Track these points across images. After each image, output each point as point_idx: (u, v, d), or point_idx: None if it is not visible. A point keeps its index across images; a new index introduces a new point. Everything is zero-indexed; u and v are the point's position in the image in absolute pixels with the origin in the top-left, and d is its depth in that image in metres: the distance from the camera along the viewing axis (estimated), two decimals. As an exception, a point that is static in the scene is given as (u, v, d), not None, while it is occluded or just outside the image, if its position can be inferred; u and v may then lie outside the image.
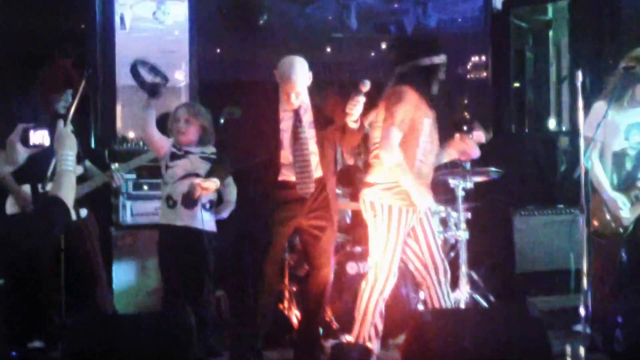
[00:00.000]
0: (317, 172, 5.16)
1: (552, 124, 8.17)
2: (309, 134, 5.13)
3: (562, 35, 8.27)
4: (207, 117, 5.58)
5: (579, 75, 4.92)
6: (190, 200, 5.31)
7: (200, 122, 5.52)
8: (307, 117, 5.15)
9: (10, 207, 5.47)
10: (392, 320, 5.73)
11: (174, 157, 5.43)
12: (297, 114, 5.11)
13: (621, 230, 5.48)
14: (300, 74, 5.04)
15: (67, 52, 5.77)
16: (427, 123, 5.15)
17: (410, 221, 5.17)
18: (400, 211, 5.11)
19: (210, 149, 5.52)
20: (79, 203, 5.54)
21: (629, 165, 5.53)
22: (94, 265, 5.63)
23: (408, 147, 5.08)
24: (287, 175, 5.13)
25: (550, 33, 8.39)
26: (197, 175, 5.36)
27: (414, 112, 5.08)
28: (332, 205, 5.25)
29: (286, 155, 5.11)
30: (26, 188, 5.40)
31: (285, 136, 5.10)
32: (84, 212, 5.63)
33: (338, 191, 6.42)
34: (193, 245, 5.39)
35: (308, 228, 5.23)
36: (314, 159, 5.14)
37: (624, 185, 5.51)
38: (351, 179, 6.54)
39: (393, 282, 5.22)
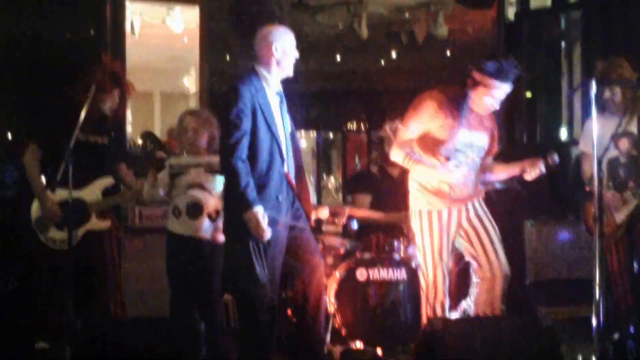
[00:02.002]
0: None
1: (563, 134, 8.15)
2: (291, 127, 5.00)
3: (574, 45, 8.25)
4: (215, 124, 5.45)
5: (593, 85, 4.88)
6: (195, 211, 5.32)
7: (209, 130, 5.44)
8: (284, 107, 4.98)
9: (35, 211, 5.46)
10: (402, 327, 5.76)
11: (173, 176, 5.39)
12: (281, 100, 4.93)
13: (615, 229, 5.65)
14: (292, 38, 4.96)
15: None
16: (455, 133, 5.13)
17: (447, 223, 5.19)
18: (429, 215, 5.20)
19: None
20: (102, 214, 5.52)
21: (622, 172, 5.71)
22: (109, 272, 5.57)
23: (428, 151, 5.20)
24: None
25: (563, 43, 8.37)
26: (201, 186, 5.32)
27: (429, 121, 5.13)
28: (306, 203, 5.03)
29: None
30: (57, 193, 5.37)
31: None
32: (107, 224, 5.57)
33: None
34: (199, 254, 5.34)
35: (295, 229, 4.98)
36: None
37: (619, 189, 5.68)
38: (367, 186, 6.53)
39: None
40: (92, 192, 5.46)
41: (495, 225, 5.29)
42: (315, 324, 5.10)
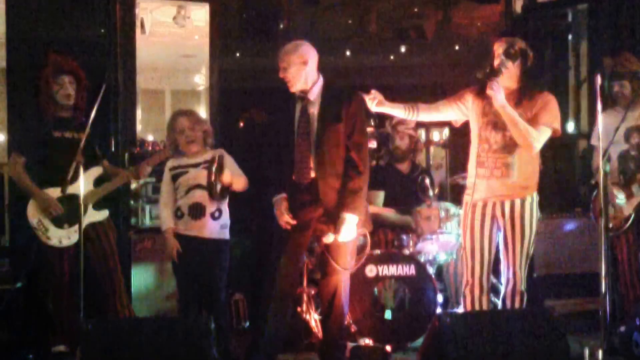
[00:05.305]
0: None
1: (570, 127, 8.15)
2: (313, 128, 5.07)
3: (581, 39, 8.25)
4: (206, 122, 5.68)
5: (598, 79, 4.92)
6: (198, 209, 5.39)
7: (203, 127, 5.57)
8: (314, 111, 5.07)
9: (33, 214, 5.46)
10: (410, 323, 5.78)
11: (175, 177, 5.48)
12: (304, 106, 5.07)
13: (623, 221, 5.69)
14: (287, 50, 5.04)
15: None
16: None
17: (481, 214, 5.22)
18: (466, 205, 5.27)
19: (213, 154, 5.44)
20: (99, 204, 5.57)
21: (632, 165, 5.75)
22: (111, 268, 5.64)
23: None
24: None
25: (569, 37, 8.36)
26: (201, 186, 5.38)
27: None
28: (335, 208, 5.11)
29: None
30: (51, 191, 5.43)
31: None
32: (105, 214, 5.64)
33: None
34: (204, 254, 5.42)
35: (318, 232, 5.16)
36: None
37: (629, 182, 5.71)
38: (379, 182, 6.53)
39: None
40: (83, 185, 5.44)
41: (528, 235, 5.24)
42: (329, 324, 5.22)
